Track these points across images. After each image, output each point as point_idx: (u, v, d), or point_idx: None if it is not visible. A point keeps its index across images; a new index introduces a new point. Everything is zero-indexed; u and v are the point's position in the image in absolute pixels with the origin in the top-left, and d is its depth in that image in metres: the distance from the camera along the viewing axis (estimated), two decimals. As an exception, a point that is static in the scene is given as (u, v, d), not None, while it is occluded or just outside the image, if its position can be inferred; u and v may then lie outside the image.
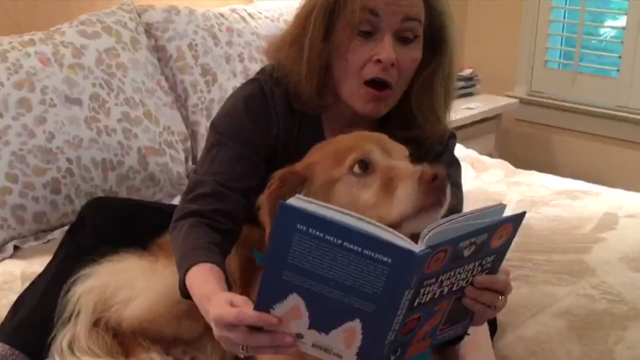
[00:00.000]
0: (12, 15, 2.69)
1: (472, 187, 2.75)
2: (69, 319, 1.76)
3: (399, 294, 1.14)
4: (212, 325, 1.31)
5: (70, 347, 1.75)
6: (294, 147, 1.73)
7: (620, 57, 3.93)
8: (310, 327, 1.20)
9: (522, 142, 4.38)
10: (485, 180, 2.90)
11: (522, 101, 4.25)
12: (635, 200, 2.65)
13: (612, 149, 4.07)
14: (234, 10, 3.02)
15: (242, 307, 1.25)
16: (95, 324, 1.77)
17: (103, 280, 1.77)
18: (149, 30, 2.77)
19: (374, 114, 1.67)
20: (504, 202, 1.38)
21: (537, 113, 4.30)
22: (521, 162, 4.17)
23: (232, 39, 2.88)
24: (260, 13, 3.07)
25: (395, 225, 1.28)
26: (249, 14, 3.03)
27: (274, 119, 1.75)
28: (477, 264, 1.26)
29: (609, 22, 4.11)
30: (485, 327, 1.72)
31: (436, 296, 1.22)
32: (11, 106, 2.29)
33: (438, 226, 1.15)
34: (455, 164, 1.85)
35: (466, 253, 1.20)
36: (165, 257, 1.77)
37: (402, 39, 1.62)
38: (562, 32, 4.21)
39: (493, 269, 1.30)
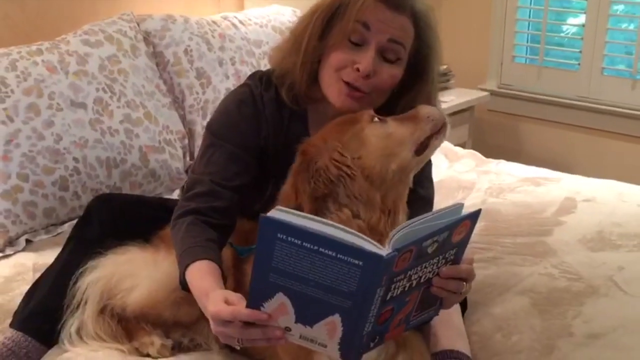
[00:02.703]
0: (20, 25, 2.66)
1: (446, 175, 2.74)
2: (77, 307, 1.78)
3: (371, 292, 1.17)
4: (210, 320, 1.33)
5: (79, 333, 1.77)
6: (283, 145, 1.75)
7: (580, 52, 3.93)
8: (296, 322, 1.23)
9: (494, 130, 4.40)
10: (457, 169, 2.89)
11: (493, 93, 4.25)
12: (591, 185, 2.65)
13: (574, 135, 4.10)
14: (225, 18, 3.00)
15: (236, 305, 1.28)
16: (102, 311, 1.78)
17: (108, 271, 1.78)
18: (147, 37, 2.75)
19: (348, 109, 1.66)
20: (462, 202, 1.41)
21: (507, 104, 4.31)
22: (493, 148, 4.21)
23: (224, 44, 2.86)
24: (250, 20, 3.04)
25: (425, 146, 1.55)
26: (240, 21, 3.00)
27: (264, 121, 1.76)
28: (441, 257, 1.29)
29: (570, 20, 4.10)
30: (456, 306, 1.74)
31: (406, 289, 1.25)
32: (21, 111, 2.28)
33: (402, 229, 1.19)
34: (428, 162, 1.86)
35: (430, 250, 1.23)
36: (165, 249, 1.77)
37: (385, 57, 1.64)
38: (528, 29, 4.21)
39: (456, 260, 1.34)
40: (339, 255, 1.13)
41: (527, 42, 4.21)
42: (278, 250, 1.15)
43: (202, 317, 1.71)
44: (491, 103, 4.27)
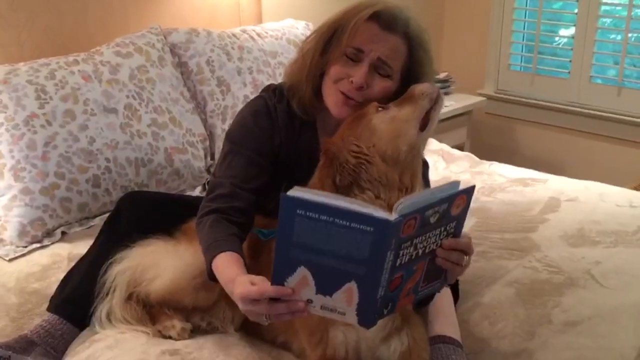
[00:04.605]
0: (59, 35, 2.70)
1: (442, 176, 2.75)
2: (107, 294, 1.81)
3: (382, 256, 1.20)
4: (238, 302, 1.35)
5: (108, 317, 1.80)
6: (295, 151, 1.79)
7: (570, 61, 3.93)
8: (317, 293, 1.26)
9: (491, 132, 4.40)
10: (453, 170, 2.90)
11: (490, 98, 4.26)
12: (574, 186, 2.65)
13: (564, 137, 4.09)
14: (244, 31, 3.01)
15: (262, 284, 1.31)
16: (129, 297, 1.81)
17: (134, 262, 1.81)
18: (173, 49, 2.78)
19: (344, 116, 1.68)
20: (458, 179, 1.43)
21: (503, 108, 4.31)
22: (489, 148, 4.21)
23: (242, 55, 2.88)
24: (267, 33, 3.05)
25: (427, 121, 1.55)
26: (257, 34, 3.01)
27: (277, 130, 1.79)
28: (442, 229, 1.32)
29: (562, 32, 4.09)
30: (449, 296, 1.77)
31: (413, 257, 1.28)
32: (58, 116, 2.32)
33: (407, 200, 1.22)
34: (425, 165, 1.88)
35: (432, 220, 1.26)
36: (186, 241, 1.80)
37: (378, 72, 1.67)
38: (523, 40, 4.20)
39: (456, 234, 1.36)
40: (351, 224, 1.17)
41: (522, 51, 4.20)
42: (297, 226, 1.19)
43: (218, 302, 1.76)
44: (488, 107, 4.27)
